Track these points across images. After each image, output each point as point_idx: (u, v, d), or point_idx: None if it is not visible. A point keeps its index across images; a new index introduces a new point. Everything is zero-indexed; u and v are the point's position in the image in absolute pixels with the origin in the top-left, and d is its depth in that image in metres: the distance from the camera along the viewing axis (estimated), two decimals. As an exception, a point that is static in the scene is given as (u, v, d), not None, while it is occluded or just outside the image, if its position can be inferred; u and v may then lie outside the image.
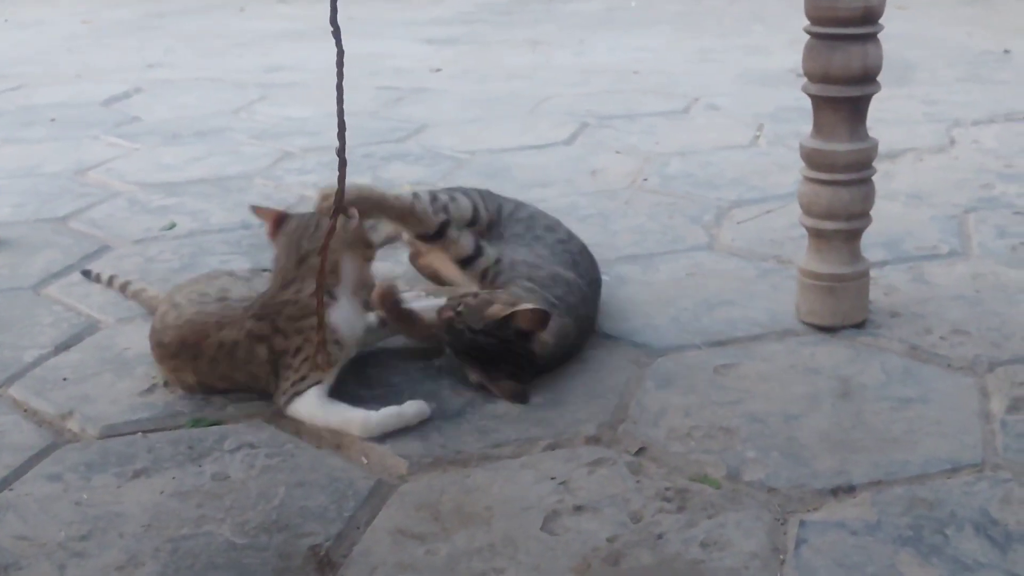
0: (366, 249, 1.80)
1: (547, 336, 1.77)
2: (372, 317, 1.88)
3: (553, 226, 2.10)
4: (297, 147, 3.35)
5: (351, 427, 1.67)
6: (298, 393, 1.70)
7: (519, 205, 2.17)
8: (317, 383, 1.71)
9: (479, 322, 1.75)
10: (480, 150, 3.27)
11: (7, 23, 6.15)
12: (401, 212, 1.95)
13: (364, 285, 1.82)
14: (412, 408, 1.69)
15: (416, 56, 4.92)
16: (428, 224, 1.96)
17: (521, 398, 1.75)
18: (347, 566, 1.37)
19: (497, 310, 1.75)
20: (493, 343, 1.75)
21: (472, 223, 2.05)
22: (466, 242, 1.96)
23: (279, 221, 1.82)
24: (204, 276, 1.98)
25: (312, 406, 1.70)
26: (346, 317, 1.75)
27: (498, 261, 1.93)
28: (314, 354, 1.69)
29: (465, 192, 2.12)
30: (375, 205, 1.93)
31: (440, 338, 1.82)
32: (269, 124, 3.70)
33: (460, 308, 1.78)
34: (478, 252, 1.95)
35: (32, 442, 1.69)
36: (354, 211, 1.78)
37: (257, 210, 1.88)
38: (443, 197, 2.04)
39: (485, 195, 2.15)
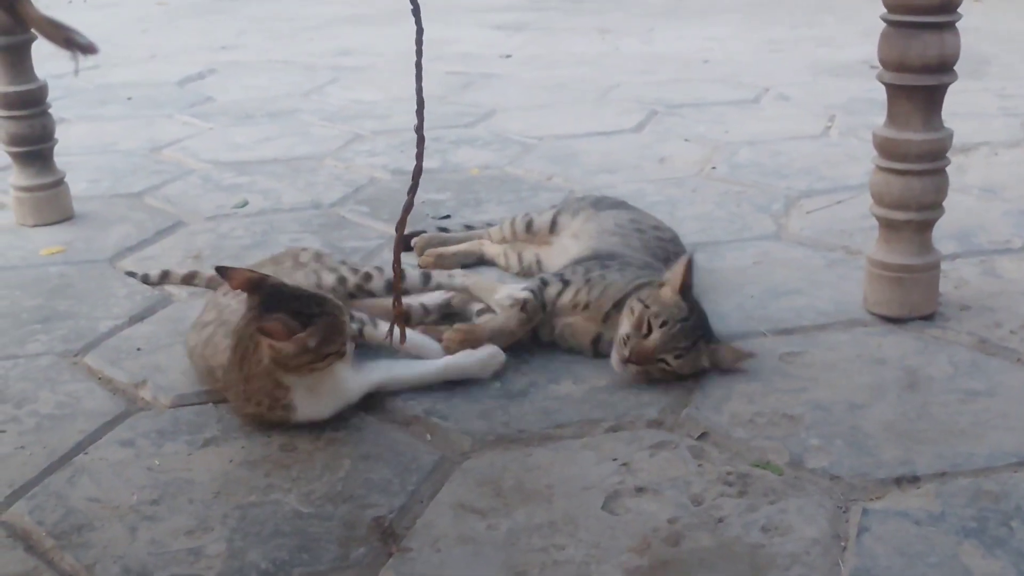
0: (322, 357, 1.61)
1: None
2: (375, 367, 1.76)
3: (659, 226, 2.15)
4: (367, 130, 3.38)
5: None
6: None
7: (626, 205, 2.24)
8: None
9: (668, 311, 1.76)
10: (548, 136, 3.28)
11: (85, 4, 6.26)
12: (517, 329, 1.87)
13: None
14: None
15: (484, 42, 4.93)
16: (539, 311, 1.87)
17: (744, 355, 1.80)
18: (410, 538, 1.39)
19: (666, 292, 1.77)
20: (693, 308, 1.79)
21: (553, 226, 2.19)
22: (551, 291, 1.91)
23: (249, 285, 1.64)
24: (269, 260, 1.99)
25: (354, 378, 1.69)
26: (317, 407, 1.65)
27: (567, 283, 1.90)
28: (391, 330, 1.67)
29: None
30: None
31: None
32: (339, 106, 3.74)
33: (644, 331, 1.75)
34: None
35: (106, 409, 1.73)
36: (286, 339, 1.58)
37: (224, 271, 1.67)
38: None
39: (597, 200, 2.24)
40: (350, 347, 1.67)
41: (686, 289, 1.77)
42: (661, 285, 1.79)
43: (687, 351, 1.73)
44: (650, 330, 1.73)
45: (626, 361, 1.73)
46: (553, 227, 2.18)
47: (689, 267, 1.77)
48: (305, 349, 1.57)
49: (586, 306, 1.85)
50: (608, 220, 2.11)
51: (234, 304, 1.74)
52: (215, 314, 1.79)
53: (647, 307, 1.74)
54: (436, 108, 3.56)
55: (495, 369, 1.78)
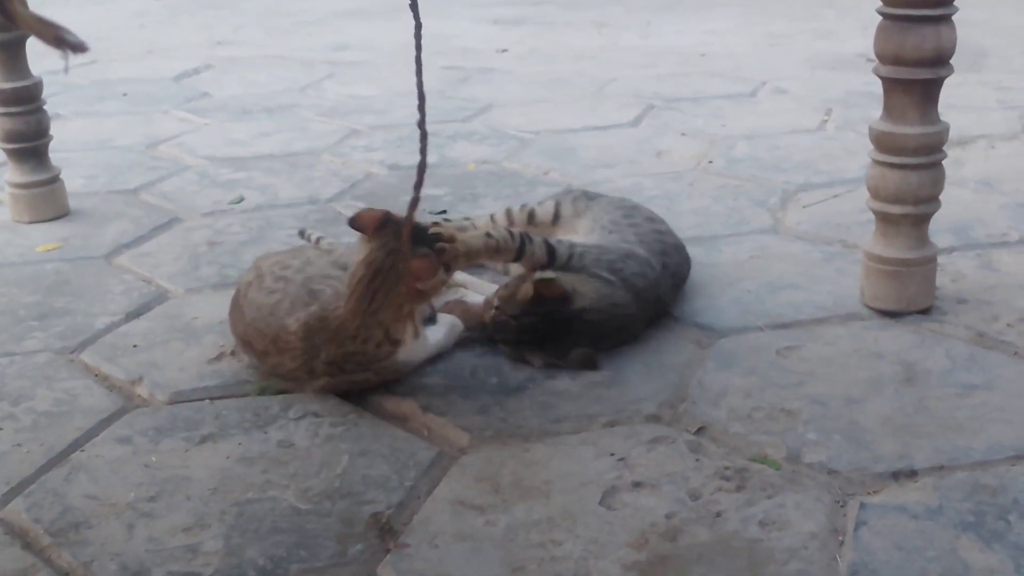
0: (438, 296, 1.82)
1: (585, 293, 1.81)
2: (433, 330, 1.85)
3: (654, 218, 2.13)
4: (364, 125, 3.38)
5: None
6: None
7: (623, 199, 2.23)
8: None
9: (517, 307, 1.80)
10: (545, 130, 3.27)
11: (81, -1, 6.25)
12: (489, 252, 1.90)
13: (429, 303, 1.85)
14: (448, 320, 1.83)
15: (482, 36, 4.93)
16: (511, 250, 1.91)
17: (592, 363, 1.77)
18: (408, 534, 1.39)
19: (525, 290, 1.80)
20: (538, 320, 1.78)
21: (556, 218, 2.17)
22: (540, 252, 1.95)
23: (376, 231, 1.69)
24: (292, 249, 2.01)
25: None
26: (410, 353, 1.75)
27: (570, 257, 1.93)
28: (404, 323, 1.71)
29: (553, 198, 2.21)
30: (473, 257, 1.89)
31: (492, 336, 1.86)
32: (336, 102, 3.73)
33: (496, 303, 1.83)
34: (552, 259, 1.94)
35: (103, 406, 1.73)
36: (443, 265, 1.72)
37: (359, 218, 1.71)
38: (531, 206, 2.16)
39: (582, 194, 2.23)
40: None
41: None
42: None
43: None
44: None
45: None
46: (556, 218, 2.17)
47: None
48: (440, 284, 1.74)
49: None
50: (602, 214, 2.10)
51: (295, 263, 1.82)
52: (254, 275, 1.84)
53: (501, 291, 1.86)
54: (433, 103, 3.53)
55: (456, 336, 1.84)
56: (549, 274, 1.81)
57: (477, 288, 2.06)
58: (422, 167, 1.53)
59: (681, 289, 2.03)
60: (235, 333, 1.83)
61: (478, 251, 1.86)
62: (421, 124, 1.43)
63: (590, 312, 1.81)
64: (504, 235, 1.90)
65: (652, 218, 2.13)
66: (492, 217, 2.24)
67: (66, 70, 1.26)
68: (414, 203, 1.57)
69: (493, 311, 1.84)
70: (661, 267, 1.95)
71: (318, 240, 2.24)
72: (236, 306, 1.83)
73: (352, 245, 1.80)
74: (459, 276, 2.02)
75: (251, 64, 4.44)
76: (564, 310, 1.79)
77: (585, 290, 1.82)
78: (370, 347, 1.69)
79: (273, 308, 1.75)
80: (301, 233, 2.34)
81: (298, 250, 1.99)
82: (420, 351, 1.77)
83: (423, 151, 1.50)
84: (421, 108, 1.37)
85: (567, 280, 1.82)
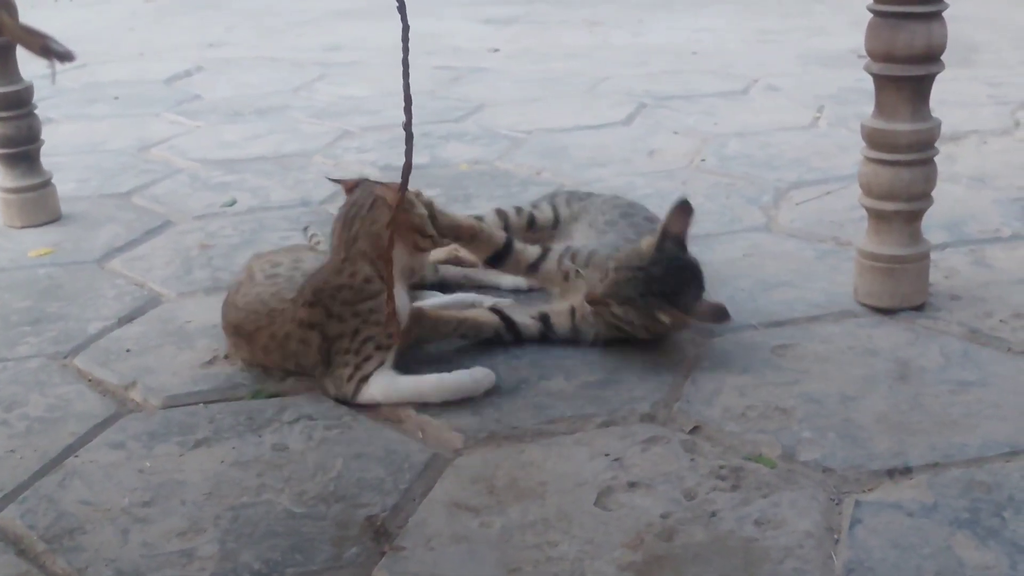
0: (420, 238, 1.77)
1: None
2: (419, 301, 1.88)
3: (652, 218, 2.13)
4: (356, 126, 3.37)
5: (426, 391, 1.70)
6: (364, 378, 1.71)
7: (616, 196, 2.23)
8: (381, 363, 1.72)
9: (643, 258, 1.78)
10: (537, 130, 3.27)
11: (71, 2, 6.24)
12: (472, 234, 1.90)
13: (412, 271, 1.85)
14: (480, 374, 1.73)
15: (473, 36, 4.93)
16: (496, 242, 1.91)
17: (725, 314, 1.77)
18: (403, 536, 1.39)
19: (648, 241, 1.80)
20: (664, 266, 1.77)
21: (555, 223, 2.16)
22: (532, 250, 1.95)
23: (351, 189, 1.80)
24: (285, 248, 2.03)
25: (386, 387, 1.71)
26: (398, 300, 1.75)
27: (575, 254, 1.92)
28: (385, 328, 1.70)
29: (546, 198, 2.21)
30: (453, 228, 1.88)
31: (602, 317, 1.83)
32: (328, 103, 3.73)
33: (613, 267, 1.79)
34: (543, 256, 1.94)
35: (96, 411, 1.73)
36: (412, 198, 1.75)
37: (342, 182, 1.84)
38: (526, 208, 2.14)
39: (570, 194, 2.23)
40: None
41: (667, 238, 1.78)
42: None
43: (632, 301, 1.75)
44: (606, 276, 1.77)
45: (586, 301, 1.80)
46: (556, 222, 2.16)
47: (677, 213, 1.79)
48: (416, 215, 1.74)
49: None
50: (598, 215, 2.10)
51: (286, 260, 1.89)
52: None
53: (616, 256, 1.80)
54: (425, 103, 3.55)
55: (487, 387, 1.73)
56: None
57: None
58: (407, 169, 1.54)
59: None
60: (227, 326, 1.84)
61: (459, 225, 1.86)
62: (407, 126, 1.43)
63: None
64: (491, 230, 1.91)
65: (650, 218, 2.13)
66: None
67: (53, 80, 1.25)
68: (399, 203, 1.58)
69: (607, 285, 1.77)
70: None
71: (318, 243, 2.23)
72: (228, 303, 1.85)
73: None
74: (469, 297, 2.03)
75: (242, 65, 4.43)
76: (685, 256, 1.80)
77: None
78: (358, 281, 1.71)
79: (269, 292, 1.80)
80: (305, 230, 2.34)
81: (289, 249, 2.00)
82: (403, 303, 1.77)
83: (408, 153, 1.51)
84: (407, 110, 1.37)
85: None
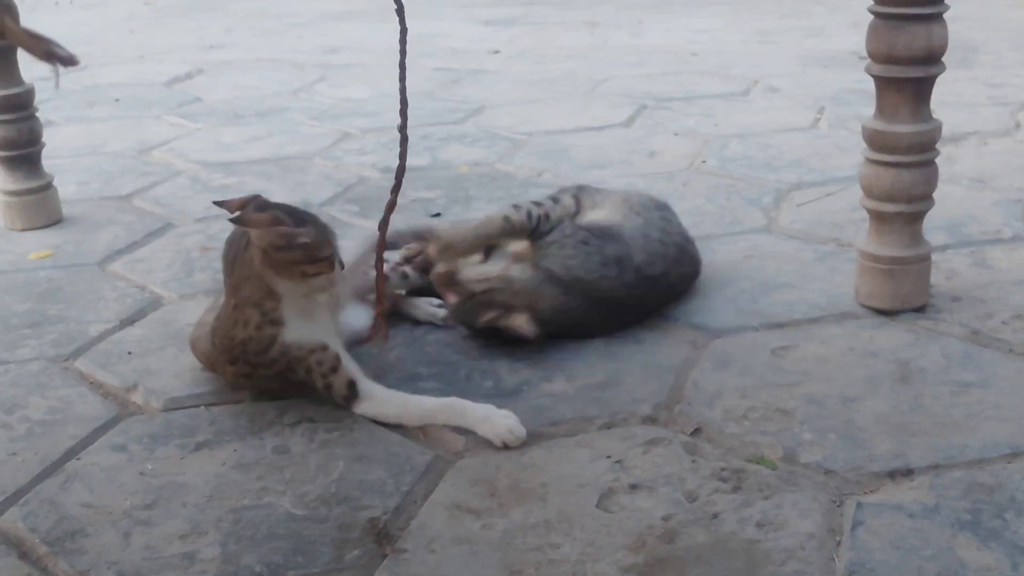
0: (309, 266, 1.60)
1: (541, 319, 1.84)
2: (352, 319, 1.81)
3: (668, 217, 2.10)
4: (356, 128, 3.38)
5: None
6: (346, 399, 1.68)
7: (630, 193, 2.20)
8: (348, 382, 1.67)
9: (476, 321, 1.85)
10: (537, 131, 3.27)
11: (71, 4, 6.24)
12: (496, 235, 1.89)
13: (334, 299, 1.71)
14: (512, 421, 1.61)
15: (473, 37, 4.93)
16: (526, 229, 1.89)
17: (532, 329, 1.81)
18: (405, 539, 1.39)
19: (490, 318, 1.84)
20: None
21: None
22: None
23: (240, 208, 1.62)
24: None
25: (383, 404, 1.67)
26: (298, 332, 1.66)
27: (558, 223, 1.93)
28: (375, 328, 1.70)
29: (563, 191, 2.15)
30: (467, 247, 1.89)
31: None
32: (328, 105, 3.73)
33: (465, 305, 1.86)
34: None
35: (98, 413, 1.73)
36: (279, 233, 1.58)
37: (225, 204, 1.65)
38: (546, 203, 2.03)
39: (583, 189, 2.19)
40: (342, 289, 1.71)
41: None
42: None
43: None
44: None
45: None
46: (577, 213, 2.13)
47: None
48: (295, 245, 1.57)
49: None
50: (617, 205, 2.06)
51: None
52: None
53: None
54: (424, 104, 3.55)
55: (508, 440, 1.59)
56: (518, 320, 1.83)
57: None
58: (400, 171, 1.55)
59: (670, 291, 2.01)
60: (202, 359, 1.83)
61: (482, 237, 1.88)
62: (402, 128, 1.44)
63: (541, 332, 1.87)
64: (522, 218, 1.89)
65: (665, 215, 2.09)
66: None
67: (57, 84, 1.26)
68: (390, 206, 1.59)
69: (459, 299, 1.86)
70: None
71: None
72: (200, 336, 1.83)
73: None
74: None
75: (242, 68, 4.43)
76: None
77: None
78: (251, 330, 1.64)
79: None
80: None
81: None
82: (313, 332, 1.66)
83: (402, 155, 1.51)
84: (403, 113, 1.38)
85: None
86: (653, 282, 1.93)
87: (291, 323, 1.65)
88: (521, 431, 1.58)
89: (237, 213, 1.58)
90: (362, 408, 1.67)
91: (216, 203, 1.68)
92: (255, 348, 1.66)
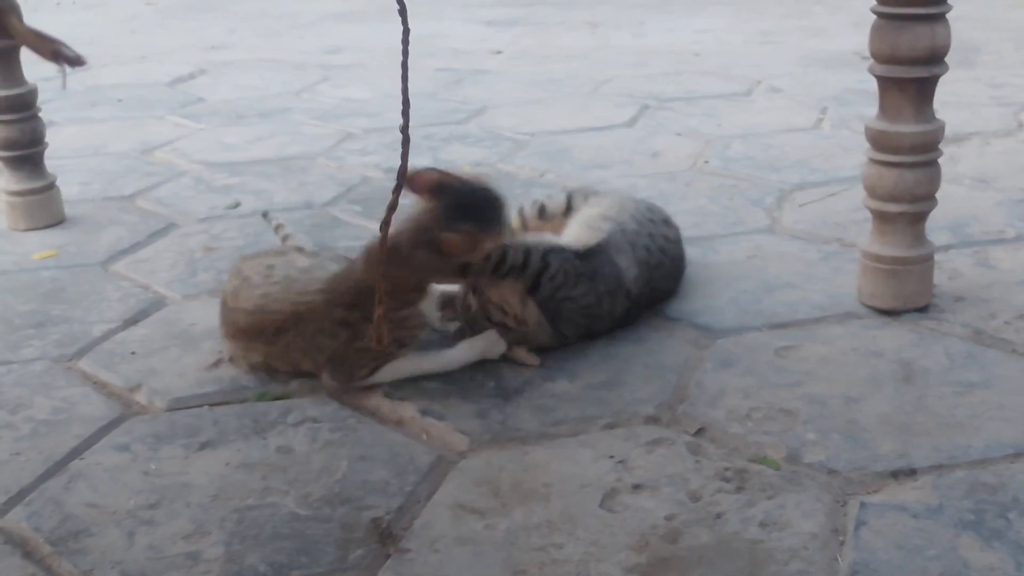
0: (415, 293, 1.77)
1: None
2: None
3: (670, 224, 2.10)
4: (358, 128, 3.38)
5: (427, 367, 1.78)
6: (378, 368, 1.75)
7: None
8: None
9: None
10: (540, 131, 3.27)
11: (73, 4, 6.25)
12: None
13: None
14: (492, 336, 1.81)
15: (474, 37, 4.93)
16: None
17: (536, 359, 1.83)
18: (408, 539, 1.39)
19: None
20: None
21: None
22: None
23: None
24: (272, 250, 1.99)
25: (398, 366, 1.76)
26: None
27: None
28: (374, 331, 1.70)
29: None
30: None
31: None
32: (330, 105, 3.73)
33: (470, 317, 1.87)
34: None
35: (101, 413, 1.73)
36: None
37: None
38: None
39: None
40: None
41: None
42: None
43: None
44: None
45: None
46: (568, 209, 2.14)
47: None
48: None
49: None
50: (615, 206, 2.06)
51: (279, 262, 1.85)
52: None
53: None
54: (427, 105, 3.56)
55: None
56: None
57: None
58: (402, 171, 1.55)
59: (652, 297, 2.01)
60: (235, 332, 1.81)
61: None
62: (404, 129, 1.44)
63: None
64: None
65: (668, 221, 2.10)
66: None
67: (64, 84, 1.25)
68: (392, 207, 1.59)
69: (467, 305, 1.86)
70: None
71: (286, 236, 2.24)
72: (231, 308, 1.83)
73: (336, 253, 1.85)
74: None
75: (244, 68, 4.44)
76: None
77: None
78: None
79: (279, 292, 1.77)
80: (265, 215, 2.35)
81: (277, 251, 1.97)
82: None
83: (404, 156, 1.51)
84: (405, 113, 1.38)
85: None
86: (640, 295, 1.94)
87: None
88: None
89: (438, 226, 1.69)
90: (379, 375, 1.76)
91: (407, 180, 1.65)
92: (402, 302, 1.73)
